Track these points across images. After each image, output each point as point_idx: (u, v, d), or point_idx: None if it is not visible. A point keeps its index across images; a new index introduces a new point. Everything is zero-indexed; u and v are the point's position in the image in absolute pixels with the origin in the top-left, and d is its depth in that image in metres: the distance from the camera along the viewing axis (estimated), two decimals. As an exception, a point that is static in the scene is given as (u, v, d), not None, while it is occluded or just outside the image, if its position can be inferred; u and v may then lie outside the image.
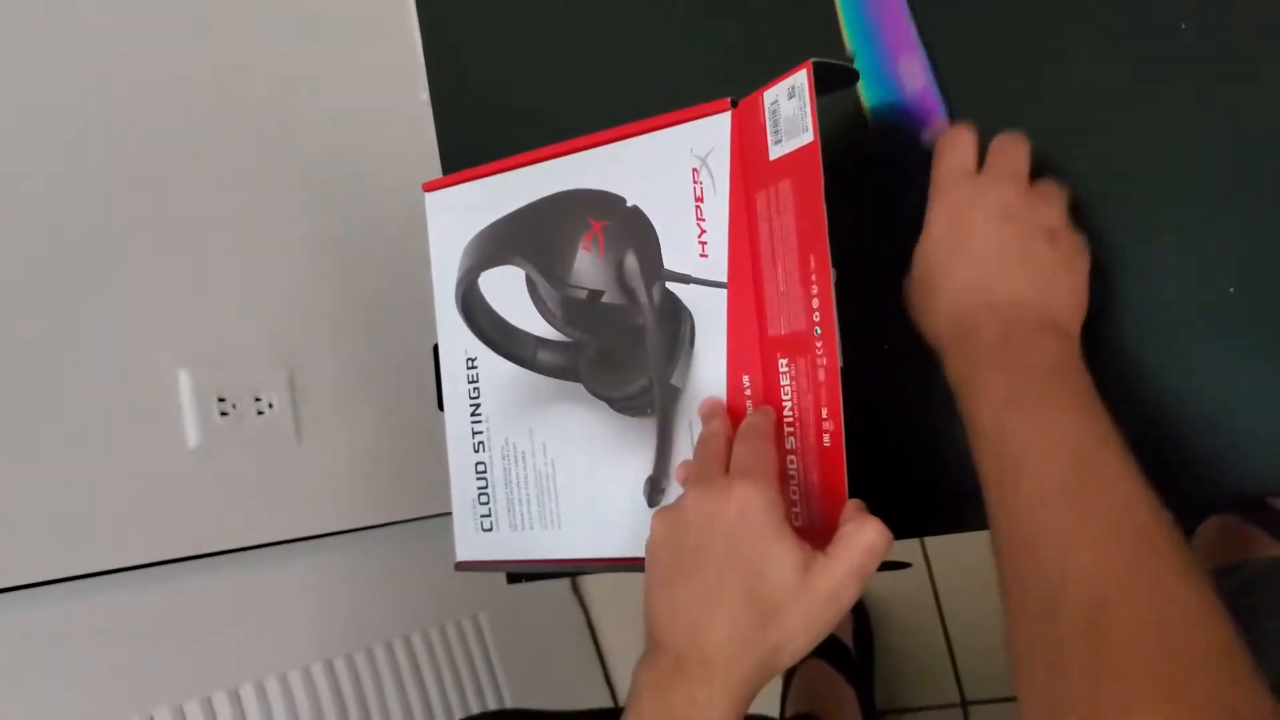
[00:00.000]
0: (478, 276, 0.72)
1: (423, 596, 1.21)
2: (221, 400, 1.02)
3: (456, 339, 0.74)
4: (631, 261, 0.66)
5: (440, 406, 0.75)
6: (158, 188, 0.99)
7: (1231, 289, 0.58)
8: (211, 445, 0.99)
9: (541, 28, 0.83)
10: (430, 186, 0.75)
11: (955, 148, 0.60)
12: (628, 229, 0.66)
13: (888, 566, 0.54)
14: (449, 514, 0.75)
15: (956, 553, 1.36)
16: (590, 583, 1.58)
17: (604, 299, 0.67)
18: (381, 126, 1.25)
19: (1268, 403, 0.57)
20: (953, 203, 0.59)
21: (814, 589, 0.51)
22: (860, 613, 1.37)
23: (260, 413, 1.05)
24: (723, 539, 0.53)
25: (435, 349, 0.76)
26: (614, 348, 0.67)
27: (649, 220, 0.66)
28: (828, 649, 1.26)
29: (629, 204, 0.66)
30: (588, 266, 0.67)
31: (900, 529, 0.53)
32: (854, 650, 1.31)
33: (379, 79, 1.29)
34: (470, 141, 0.85)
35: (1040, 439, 0.50)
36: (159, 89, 1.01)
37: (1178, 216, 0.60)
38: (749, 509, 0.53)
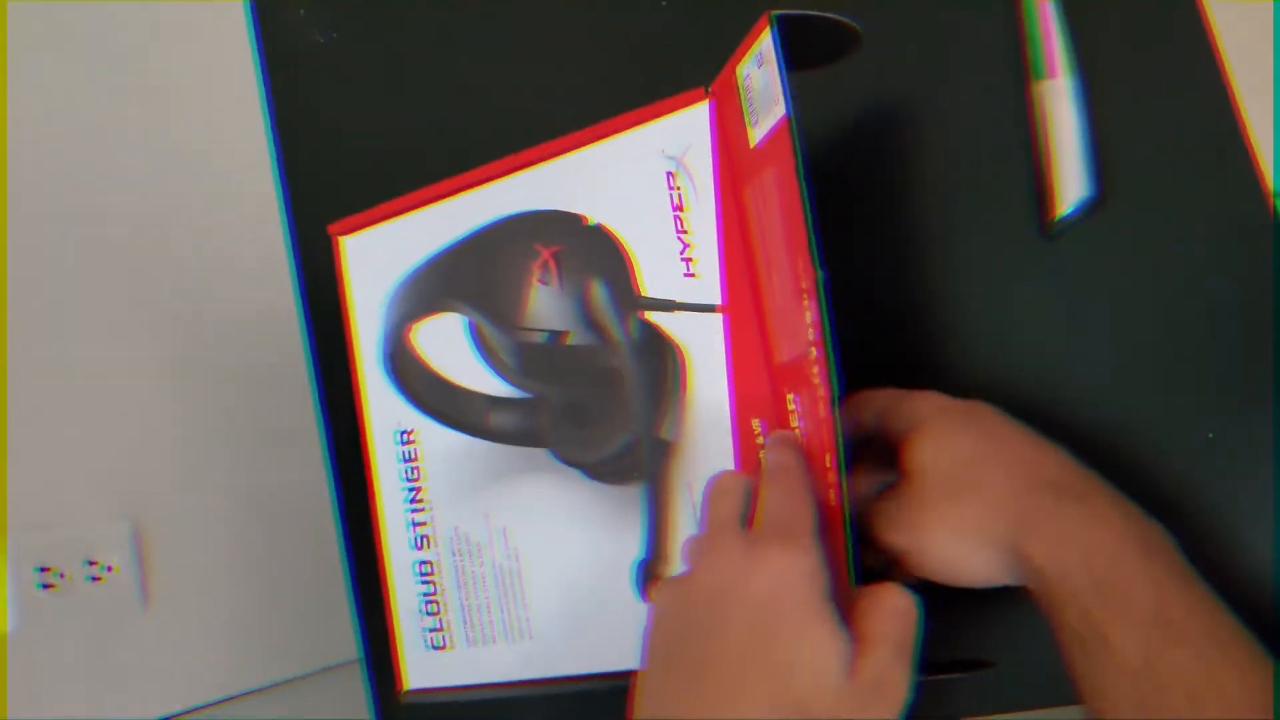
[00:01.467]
0: (407, 331, 0.58)
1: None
2: (44, 570, 0.83)
3: (385, 411, 0.59)
4: (598, 291, 0.54)
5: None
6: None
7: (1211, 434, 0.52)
8: (31, 627, 0.80)
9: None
10: (341, 229, 0.62)
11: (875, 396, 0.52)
12: (589, 252, 0.54)
13: (965, 667, 0.42)
14: (353, 661, 0.59)
15: None
16: None
17: (568, 341, 0.54)
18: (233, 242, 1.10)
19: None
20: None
21: (862, 683, 0.39)
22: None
23: (96, 578, 0.86)
24: (745, 621, 0.41)
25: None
26: (585, 400, 0.55)
27: (614, 239, 0.54)
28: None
29: (588, 223, 0.55)
30: (544, 303, 0.55)
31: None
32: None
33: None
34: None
35: (1217, 691, 0.39)
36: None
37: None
38: (783, 582, 0.41)
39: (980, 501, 0.45)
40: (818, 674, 0.39)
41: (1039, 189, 0.54)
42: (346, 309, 0.62)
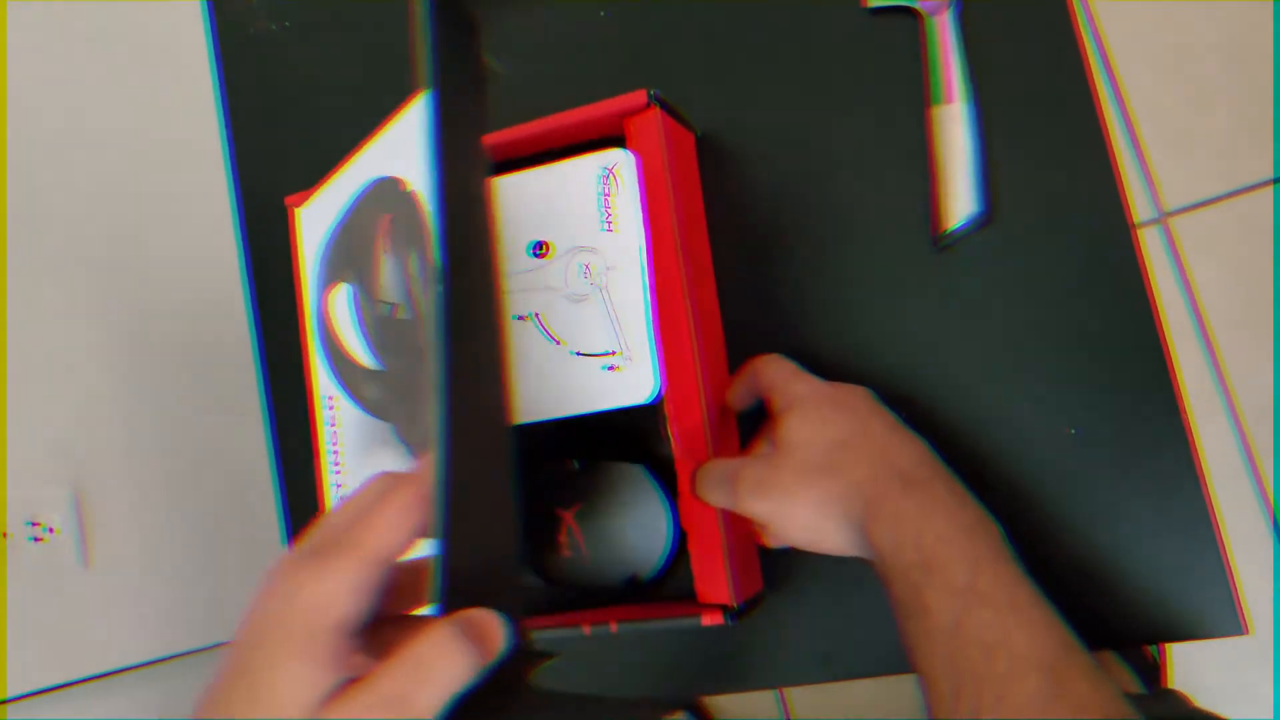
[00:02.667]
0: (323, 300, 0.62)
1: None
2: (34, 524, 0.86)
3: (320, 379, 0.63)
4: (413, 262, 0.58)
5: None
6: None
7: (1072, 430, 0.57)
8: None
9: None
10: (296, 200, 0.65)
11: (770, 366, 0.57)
12: (410, 221, 0.57)
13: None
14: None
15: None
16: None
17: (397, 315, 0.58)
18: (177, 203, 1.12)
19: (1135, 547, 0.56)
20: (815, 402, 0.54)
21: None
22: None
23: (38, 539, 0.88)
24: (234, 651, 0.37)
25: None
26: (411, 376, 0.58)
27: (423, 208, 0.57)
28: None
29: (405, 188, 0.58)
30: (387, 274, 0.58)
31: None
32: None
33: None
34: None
35: (1008, 646, 0.44)
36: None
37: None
38: (281, 606, 0.36)
39: (839, 483, 0.50)
40: (278, 708, 0.34)
41: (932, 205, 0.59)
42: (299, 281, 0.65)
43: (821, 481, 0.51)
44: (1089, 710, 0.42)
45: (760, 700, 1.37)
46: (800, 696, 1.36)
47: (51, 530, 0.90)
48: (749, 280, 0.64)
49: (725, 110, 0.66)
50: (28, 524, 0.88)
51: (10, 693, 0.83)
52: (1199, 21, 1.23)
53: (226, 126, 0.81)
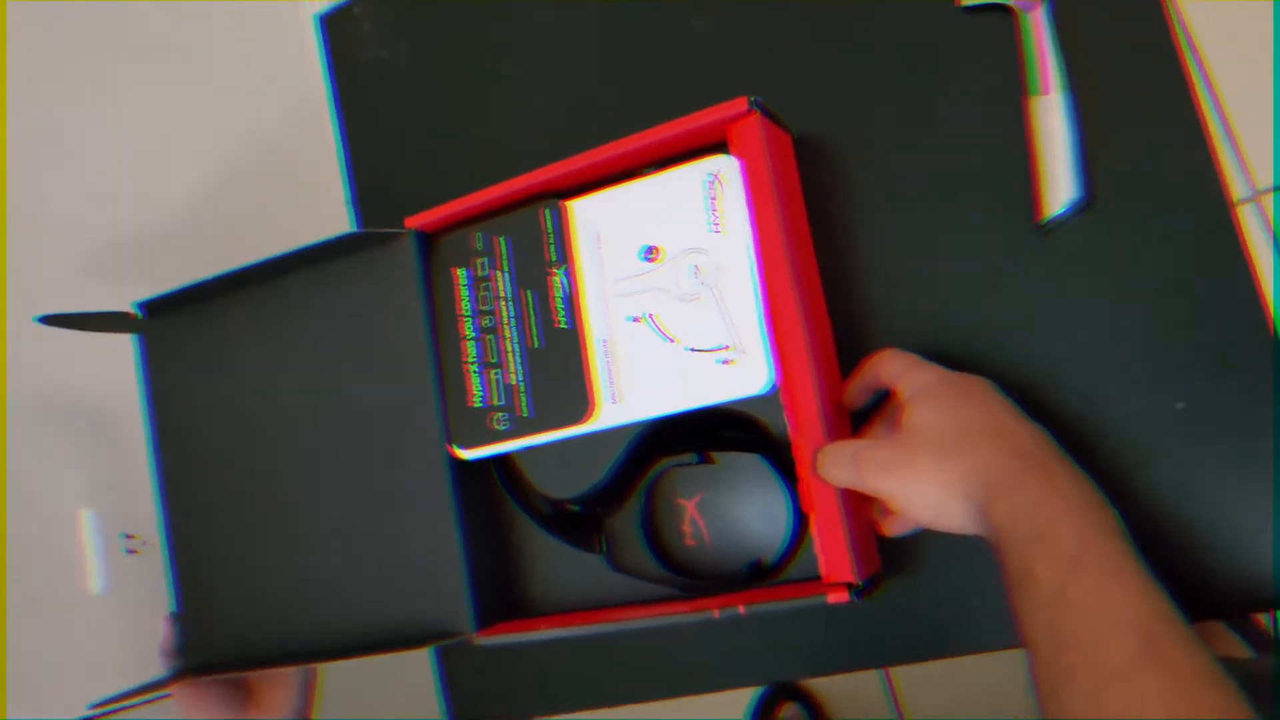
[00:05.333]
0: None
1: None
2: (129, 537, 0.90)
3: None
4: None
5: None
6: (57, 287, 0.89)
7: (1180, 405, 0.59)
8: (116, 588, 0.88)
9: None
10: (415, 221, 0.70)
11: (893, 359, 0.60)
12: None
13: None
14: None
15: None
16: None
17: None
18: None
19: (1243, 519, 0.57)
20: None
21: None
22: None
23: (132, 551, 0.93)
24: None
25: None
26: None
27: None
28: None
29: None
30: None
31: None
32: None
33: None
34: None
35: (1107, 611, 0.46)
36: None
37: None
38: None
39: (964, 463, 0.53)
40: None
41: (1034, 192, 0.61)
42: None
43: (947, 462, 0.53)
44: (1182, 674, 0.44)
45: (871, 696, 1.38)
46: (910, 692, 1.37)
47: (145, 543, 0.95)
48: (852, 274, 0.66)
49: (823, 111, 0.68)
50: (123, 536, 0.93)
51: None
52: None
53: (345, 152, 0.86)
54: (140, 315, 0.75)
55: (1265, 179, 1.23)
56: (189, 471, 0.75)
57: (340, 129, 0.87)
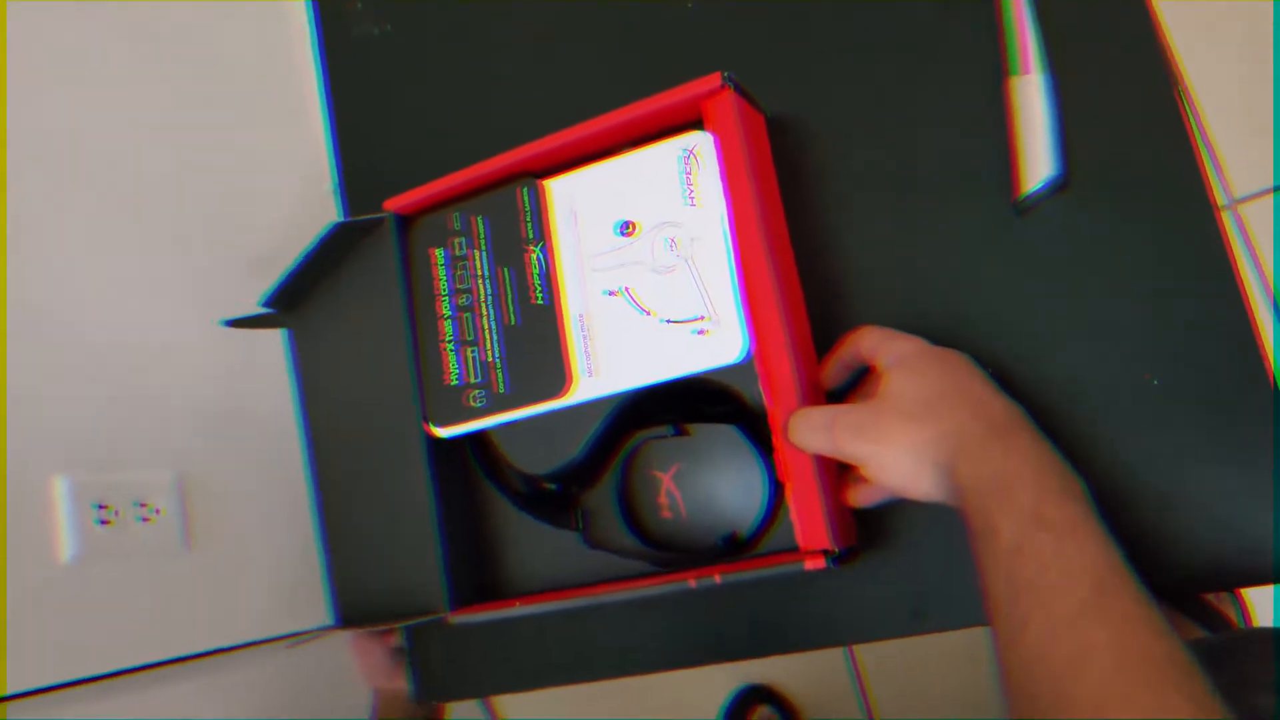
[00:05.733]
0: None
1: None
2: (101, 508, 0.90)
3: None
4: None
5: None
6: (32, 267, 0.89)
7: (1155, 381, 0.59)
8: (89, 558, 0.87)
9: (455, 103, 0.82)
10: (395, 204, 0.71)
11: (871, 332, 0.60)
12: None
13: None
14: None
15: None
16: None
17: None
18: (283, 215, 1.18)
19: (1205, 497, 0.58)
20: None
21: None
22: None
23: (145, 519, 0.93)
24: None
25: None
26: None
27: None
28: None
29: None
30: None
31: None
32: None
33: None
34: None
35: (1060, 563, 0.47)
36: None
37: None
38: None
39: (934, 428, 0.53)
40: None
41: (1012, 169, 0.61)
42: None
43: (919, 428, 0.53)
44: (1130, 623, 0.45)
45: (843, 699, 1.38)
46: (882, 694, 1.37)
47: (158, 511, 0.95)
48: (828, 252, 0.67)
49: (799, 90, 0.69)
50: (136, 504, 0.93)
51: (115, 666, 0.88)
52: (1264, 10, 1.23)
53: (332, 129, 0.86)
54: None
55: (1243, 187, 1.24)
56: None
57: (329, 111, 0.87)
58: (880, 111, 0.67)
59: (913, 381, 0.55)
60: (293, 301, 0.74)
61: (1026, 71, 0.61)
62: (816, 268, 0.66)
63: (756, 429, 0.63)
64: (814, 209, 0.67)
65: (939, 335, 0.60)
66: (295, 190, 1.18)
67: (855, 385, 0.63)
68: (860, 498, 0.60)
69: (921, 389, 0.55)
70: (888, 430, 0.54)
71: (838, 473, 0.61)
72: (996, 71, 0.63)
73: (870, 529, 0.63)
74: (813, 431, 0.57)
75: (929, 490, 0.54)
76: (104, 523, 0.90)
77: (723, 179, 0.61)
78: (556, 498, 0.69)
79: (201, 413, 1.02)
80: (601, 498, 0.67)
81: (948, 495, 0.53)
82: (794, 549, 0.60)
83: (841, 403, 0.62)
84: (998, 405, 0.54)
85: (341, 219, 0.71)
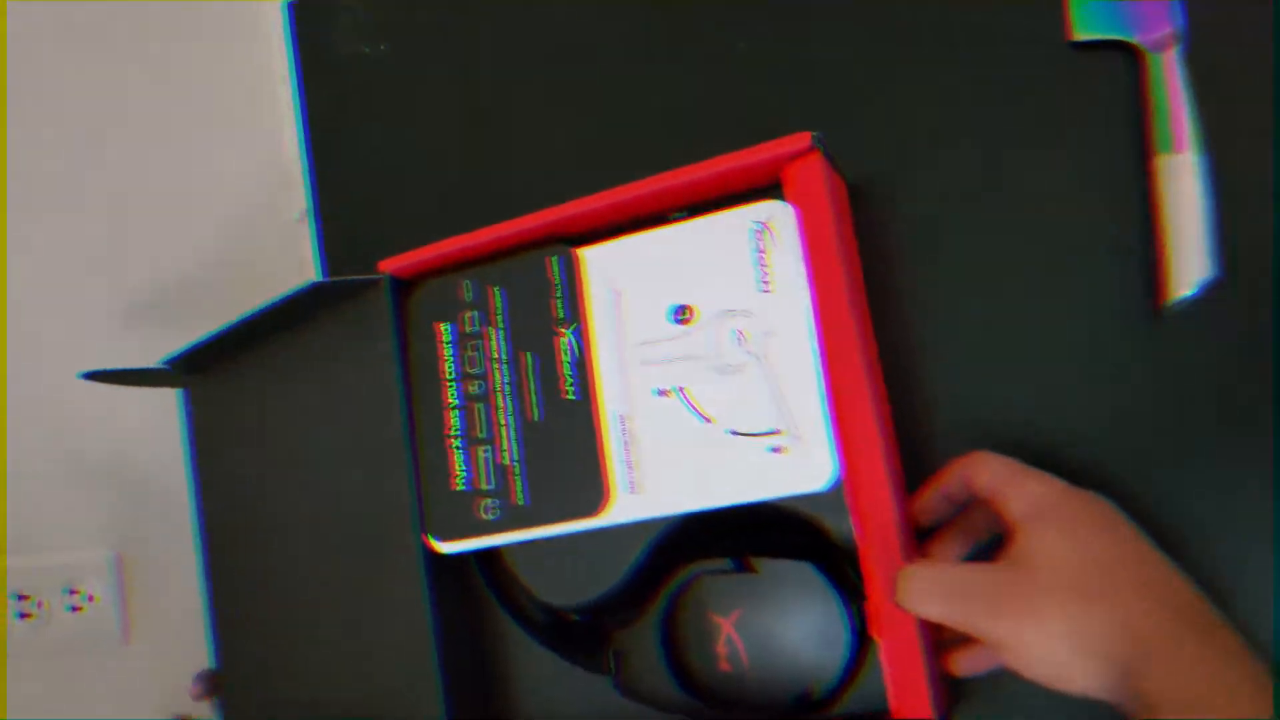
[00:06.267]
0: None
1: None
2: (22, 599, 0.78)
3: None
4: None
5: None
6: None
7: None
8: (10, 658, 0.77)
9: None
10: (390, 265, 0.59)
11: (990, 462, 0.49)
12: None
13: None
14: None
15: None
16: None
17: None
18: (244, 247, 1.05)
19: None
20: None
21: None
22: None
23: (76, 608, 0.81)
24: None
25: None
26: None
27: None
28: None
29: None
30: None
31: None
32: None
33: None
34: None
35: None
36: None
37: None
38: None
39: (1108, 612, 0.42)
40: None
41: (1158, 267, 0.51)
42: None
43: (1085, 608, 0.42)
44: None
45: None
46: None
47: (91, 599, 0.83)
48: (916, 351, 0.56)
49: (887, 155, 0.58)
50: (65, 592, 0.81)
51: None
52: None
53: (311, 175, 0.74)
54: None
55: None
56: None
57: (306, 146, 0.75)
58: (984, 181, 0.56)
59: (1065, 542, 0.44)
60: (205, 363, 0.64)
61: (1180, 150, 0.50)
62: (898, 374, 0.56)
63: (834, 563, 0.52)
64: (894, 297, 0.57)
65: (1059, 467, 0.50)
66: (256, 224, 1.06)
67: (951, 520, 0.52)
68: (965, 666, 0.50)
69: (1079, 554, 0.43)
70: (1041, 611, 0.43)
71: (938, 630, 0.50)
72: (1136, 142, 0.53)
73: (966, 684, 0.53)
74: (932, 600, 0.46)
75: (1085, 686, 0.43)
76: (24, 615, 0.78)
77: (805, 261, 0.51)
78: (585, 631, 0.58)
79: (141, 481, 0.89)
80: (641, 639, 0.55)
81: (1119, 697, 0.42)
82: (877, 710, 0.49)
83: (930, 543, 0.52)
84: (1175, 583, 0.44)
85: (320, 279, 0.59)
